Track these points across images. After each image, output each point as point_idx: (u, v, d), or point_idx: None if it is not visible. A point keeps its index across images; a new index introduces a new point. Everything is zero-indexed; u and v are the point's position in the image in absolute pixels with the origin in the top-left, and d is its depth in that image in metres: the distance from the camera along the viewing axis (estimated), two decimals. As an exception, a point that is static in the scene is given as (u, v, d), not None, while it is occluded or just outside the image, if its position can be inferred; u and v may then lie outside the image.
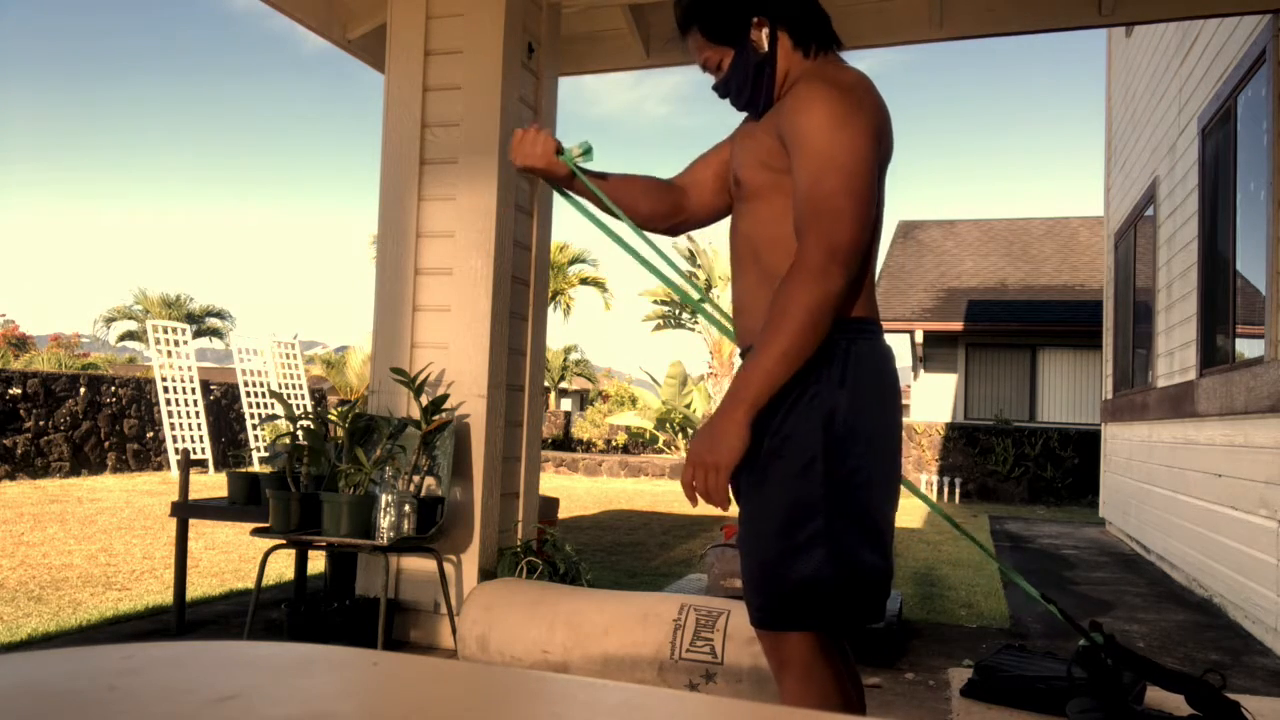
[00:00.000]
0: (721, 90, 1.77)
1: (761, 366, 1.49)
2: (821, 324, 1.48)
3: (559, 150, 1.78)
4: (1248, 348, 4.83)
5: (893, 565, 1.60)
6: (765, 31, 1.67)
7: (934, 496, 12.68)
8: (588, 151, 1.76)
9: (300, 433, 3.63)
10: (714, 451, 1.50)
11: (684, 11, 1.75)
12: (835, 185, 1.51)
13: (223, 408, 12.79)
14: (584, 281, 24.74)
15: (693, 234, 22.18)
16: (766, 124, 1.67)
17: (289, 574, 4.63)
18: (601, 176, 1.82)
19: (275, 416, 3.93)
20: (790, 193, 1.60)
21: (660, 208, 1.85)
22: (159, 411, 11.53)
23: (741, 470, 1.63)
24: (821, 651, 1.56)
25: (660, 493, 11.96)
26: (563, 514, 8.02)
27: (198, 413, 11.54)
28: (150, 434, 11.80)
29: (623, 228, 1.86)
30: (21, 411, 10.09)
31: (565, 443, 18.01)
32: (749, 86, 1.70)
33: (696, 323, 21.55)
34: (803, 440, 1.53)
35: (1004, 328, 15.50)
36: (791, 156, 1.57)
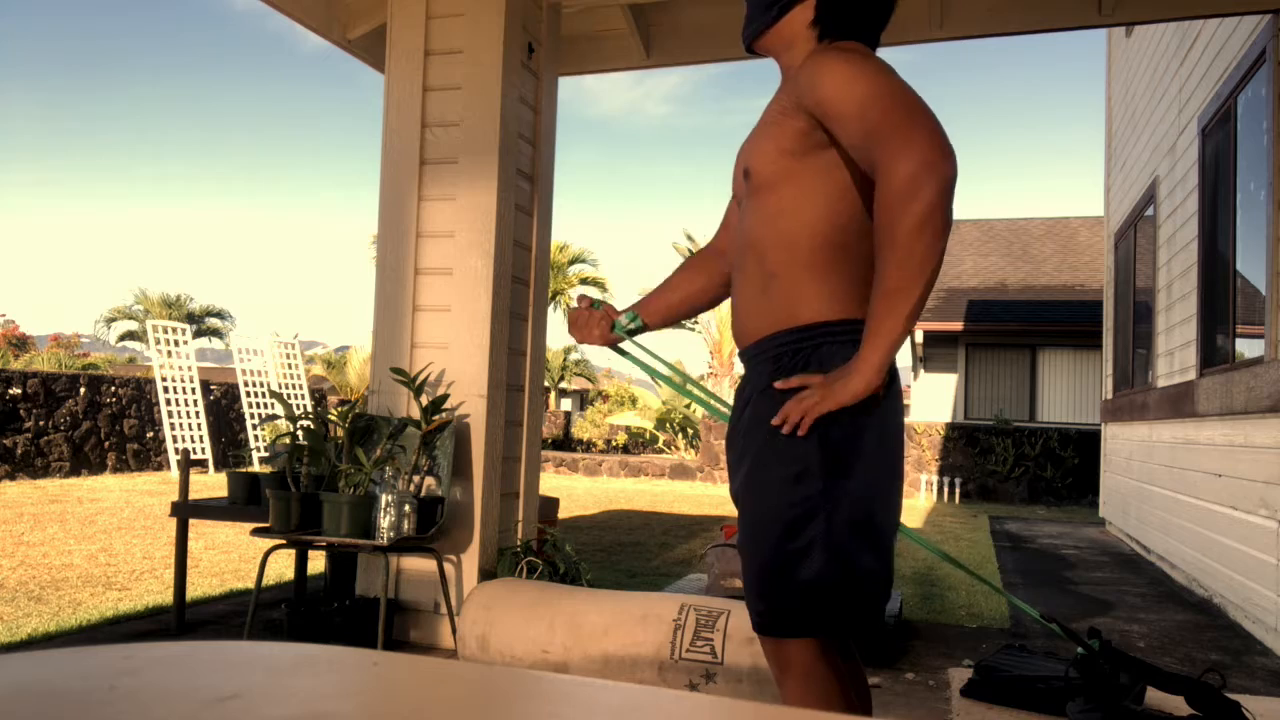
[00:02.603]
0: None
1: (894, 325, 1.44)
2: (933, 244, 1.41)
3: (613, 324, 1.96)
4: (1248, 348, 4.83)
5: (893, 569, 1.58)
6: None
7: (934, 496, 12.68)
8: (634, 318, 1.97)
9: (300, 433, 3.63)
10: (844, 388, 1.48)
11: None
12: (889, 106, 1.45)
13: (223, 408, 12.79)
14: (584, 281, 24.76)
15: (692, 234, 22.18)
16: (783, 105, 1.61)
17: (289, 574, 4.63)
18: (644, 329, 1.98)
19: (275, 416, 3.93)
20: (802, 182, 1.56)
21: (715, 281, 1.93)
22: (159, 411, 11.53)
23: (739, 473, 1.62)
24: (823, 656, 1.55)
25: (660, 493, 11.96)
26: (563, 514, 8.02)
27: (198, 413, 11.54)
28: (150, 434, 11.80)
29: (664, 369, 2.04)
30: (21, 411, 10.09)
31: (565, 443, 18.01)
32: (755, 6, 1.70)
33: (696, 323, 21.54)
34: (802, 444, 1.51)
35: (1004, 328, 15.49)
36: (831, 119, 1.51)
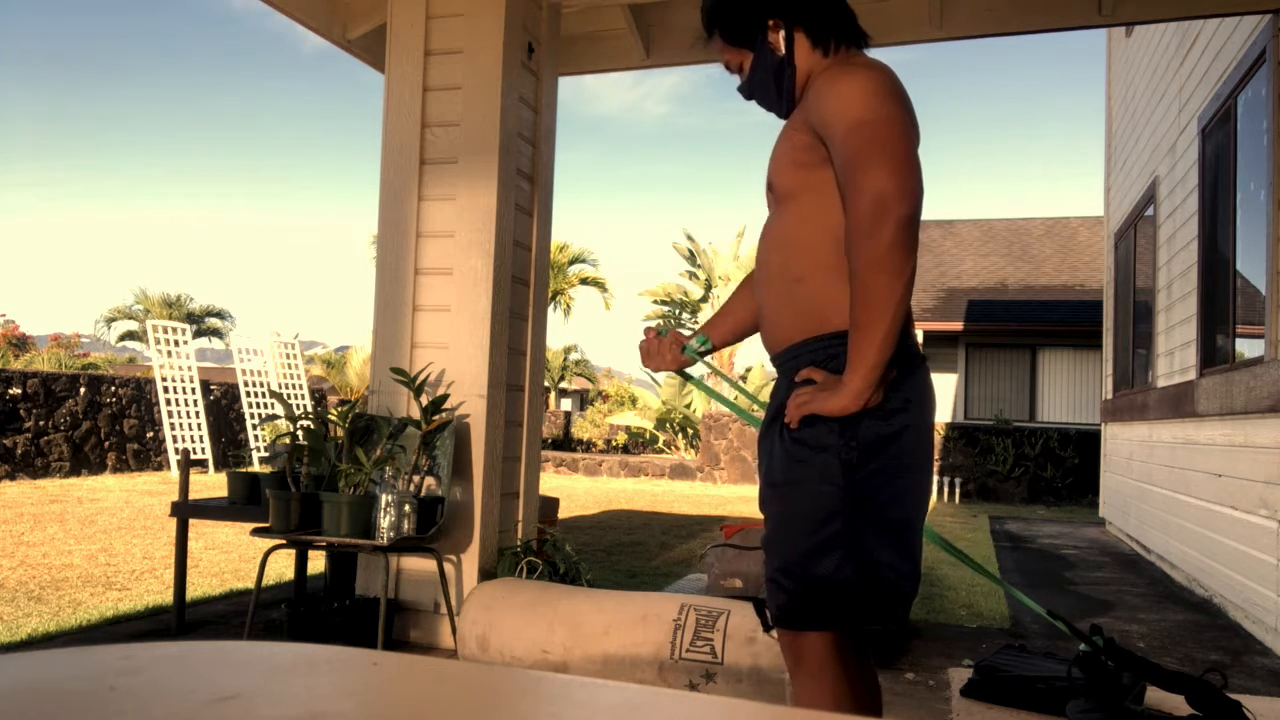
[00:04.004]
0: (746, 93, 1.81)
1: (868, 354, 1.49)
2: (891, 283, 1.46)
3: (683, 347, 1.99)
4: (1248, 348, 4.83)
5: (919, 567, 1.59)
6: (782, 34, 1.69)
7: (934, 496, 12.68)
8: (704, 340, 2.00)
9: (300, 433, 3.63)
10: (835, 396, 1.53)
11: (705, 16, 1.81)
12: (866, 137, 1.50)
13: (223, 408, 12.79)
14: (584, 281, 24.77)
15: (693, 234, 22.19)
16: (795, 120, 1.68)
17: (289, 574, 4.63)
18: (712, 349, 2.01)
19: (275, 416, 3.93)
20: (821, 190, 1.60)
21: None
22: (159, 411, 11.53)
23: (768, 471, 1.64)
24: (838, 652, 1.57)
25: (660, 493, 11.97)
26: (563, 514, 8.02)
27: (198, 413, 11.54)
28: (150, 434, 11.80)
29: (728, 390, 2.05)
30: (21, 411, 10.08)
31: (565, 443, 18.02)
32: (771, 89, 1.74)
33: (696, 323, 21.55)
34: (826, 443, 1.53)
35: (1004, 328, 15.49)
36: (827, 140, 1.57)
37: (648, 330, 2.01)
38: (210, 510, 3.99)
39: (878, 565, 1.53)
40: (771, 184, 1.71)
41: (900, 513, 1.56)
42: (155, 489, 9.59)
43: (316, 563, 4.51)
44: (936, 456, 13.19)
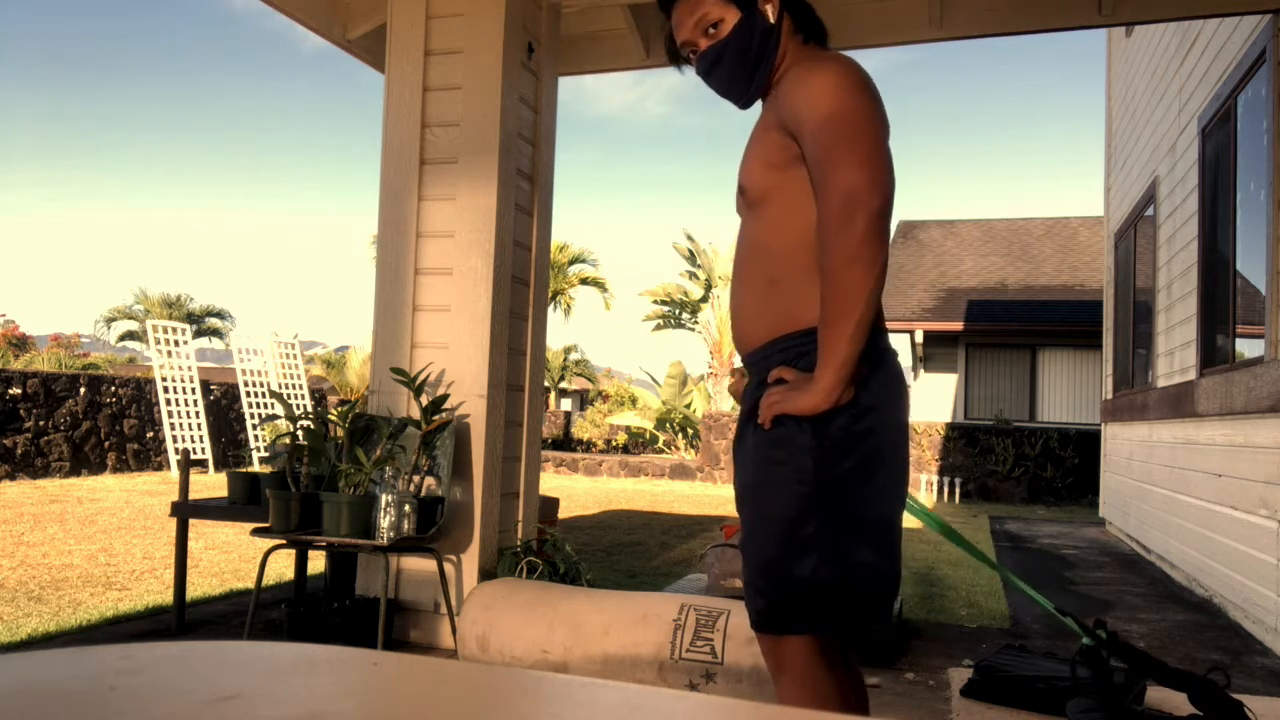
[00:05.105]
0: (710, 58, 1.70)
1: (838, 350, 1.47)
2: (863, 276, 1.45)
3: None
4: (1248, 348, 4.83)
5: (899, 566, 1.58)
6: (773, 6, 1.68)
7: (934, 496, 12.68)
8: None
9: (300, 433, 3.63)
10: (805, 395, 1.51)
11: None
12: (836, 131, 1.50)
13: (223, 408, 12.79)
14: (584, 281, 24.76)
15: (692, 234, 22.17)
16: (766, 120, 1.67)
17: (289, 574, 4.63)
18: None
19: (275, 416, 3.93)
20: (792, 191, 1.59)
21: None
22: (159, 411, 11.53)
23: (743, 472, 1.63)
24: (820, 655, 1.55)
25: (660, 493, 11.96)
26: (563, 514, 8.02)
27: (198, 413, 11.54)
28: (150, 434, 11.80)
29: None
30: (21, 411, 10.08)
31: (565, 443, 18.02)
32: (752, 53, 1.68)
33: (696, 323, 21.55)
34: (799, 444, 1.52)
35: (1004, 328, 15.49)
36: (798, 136, 1.56)
37: (734, 371, 1.97)
38: (210, 510, 3.99)
39: (856, 565, 1.51)
40: (743, 188, 1.68)
41: (876, 511, 1.54)
42: (155, 489, 9.59)
43: (316, 563, 4.51)
44: (936, 457, 13.18)
